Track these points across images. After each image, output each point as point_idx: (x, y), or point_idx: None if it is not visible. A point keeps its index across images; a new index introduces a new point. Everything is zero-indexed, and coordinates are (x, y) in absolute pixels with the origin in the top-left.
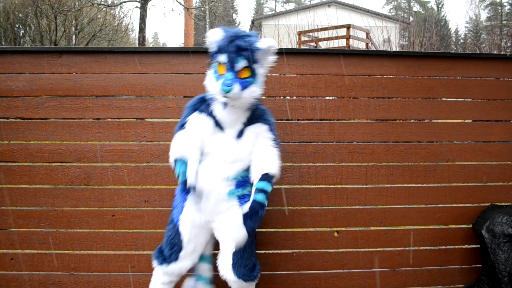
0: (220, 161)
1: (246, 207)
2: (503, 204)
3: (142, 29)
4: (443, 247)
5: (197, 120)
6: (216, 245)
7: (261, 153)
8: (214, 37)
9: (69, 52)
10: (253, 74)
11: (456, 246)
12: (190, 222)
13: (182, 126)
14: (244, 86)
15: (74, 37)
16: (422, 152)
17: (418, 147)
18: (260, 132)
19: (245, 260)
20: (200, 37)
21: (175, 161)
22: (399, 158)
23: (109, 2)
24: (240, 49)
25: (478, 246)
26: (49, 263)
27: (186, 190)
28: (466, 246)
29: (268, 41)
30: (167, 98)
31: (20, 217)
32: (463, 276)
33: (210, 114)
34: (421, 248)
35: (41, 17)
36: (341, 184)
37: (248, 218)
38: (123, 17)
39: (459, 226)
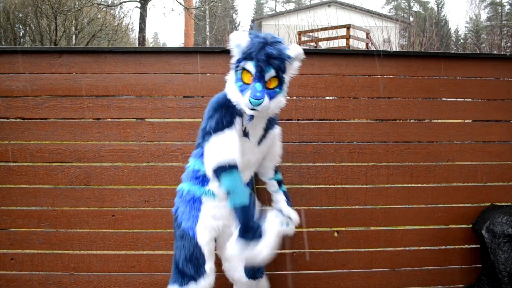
0: (243, 168)
1: (289, 211)
2: (503, 204)
3: (142, 29)
4: (443, 247)
5: (236, 134)
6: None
7: (275, 150)
8: (239, 41)
9: (69, 52)
10: (280, 84)
11: (456, 246)
12: (209, 232)
13: (222, 128)
14: (272, 97)
15: (74, 37)
16: (422, 152)
17: (418, 147)
18: (275, 135)
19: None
20: (200, 37)
21: (226, 168)
22: (399, 158)
23: (109, 2)
24: (270, 57)
25: (478, 246)
26: (49, 263)
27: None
28: (466, 246)
29: (297, 48)
30: (167, 98)
31: (20, 217)
32: (463, 276)
33: (239, 125)
34: (421, 248)
35: (41, 17)
36: (341, 184)
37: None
38: (123, 17)
39: (459, 226)
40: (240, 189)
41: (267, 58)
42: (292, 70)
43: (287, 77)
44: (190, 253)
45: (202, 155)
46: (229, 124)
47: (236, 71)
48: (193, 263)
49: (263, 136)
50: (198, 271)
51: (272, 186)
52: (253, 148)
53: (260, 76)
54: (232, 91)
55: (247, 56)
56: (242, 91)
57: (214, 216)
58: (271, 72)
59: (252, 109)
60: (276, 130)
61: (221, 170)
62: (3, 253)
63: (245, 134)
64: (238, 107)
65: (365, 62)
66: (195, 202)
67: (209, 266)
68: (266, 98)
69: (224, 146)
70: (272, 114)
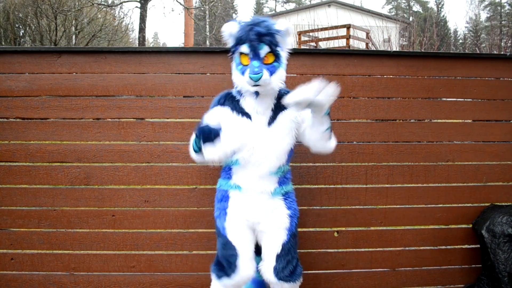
0: (255, 154)
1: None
2: (503, 204)
3: (142, 29)
4: (443, 247)
5: (220, 113)
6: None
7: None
8: (230, 29)
9: (69, 52)
10: (277, 58)
11: (456, 246)
12: (239, 227)
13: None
14: (272, 72)
15: (74, 37)
16: (422, 152)
17: (418, 147)
18: (296, 115)
19: (288, 262)
20: (200, 37)
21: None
22: (399, 158)
23: (109, 2)
24: (260, 35)
25: (478, 246)
26: (49, 263)
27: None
28: (466, 246)
29: (284, 23)
30: (167, 98)
31: (20, 217)
32: (463, 276)
33: (235, 108)
34: (421, 248)
35: (41, 17)
36: (341, 184)
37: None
38: (123, 17)
39: (459, 226)
40: (192, 142)
41: (257, 36)
42: (286, 44)
43: (282, 52)
44: (224, 249)
45: None
46: (215, 105)
47: (235, 57)
48: (226, 258)
49: (273, 118)
50: (230, 267)
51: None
52: (262, 129)
53: (255, 54)
54: (235, 76)
55: (240, 40)
56: (243, 72)
57: (242, 210)
58: (265, 48)
59: (255, 85)
60: (292, 113)
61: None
62: (3, 253)
63: (245, 114)
64: (243, 89)
65: (365, 62)
66: (223, 199)
67: (242, 261)
68: (265, 72)
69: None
70: (278, 89)
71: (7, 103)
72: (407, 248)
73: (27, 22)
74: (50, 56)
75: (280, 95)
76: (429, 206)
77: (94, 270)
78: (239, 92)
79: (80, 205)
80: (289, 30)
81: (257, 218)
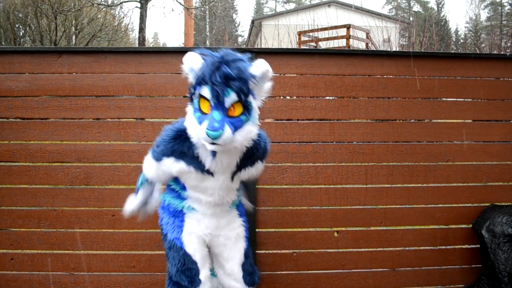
0: (215, 199)
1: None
2: (503, 204)
3: (142, 29)
4: (443, 247)
5: (174, 167)
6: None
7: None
8: (192, 64)
9: (69, 52)
10: (246, 110)
11: (456, 246)
12: (196, 239)
13: (156, 157)
14: (236, 127)
15: (74, 37)
16: (422, 152)
17: (418, 147)
18: (257, 168)
19: (250, 265)
20: (200, 37)
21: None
22: (399, 158)
23: (109, 2)
24: (228, 78)
25: (478, 246)
26: (49, 263)
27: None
28: (466, 246)
29: (263, 64)
30: (167, 98)
31: (20, 217)
32: (463, 276)
33: (192, 162)
34: (421, 248)
35: (41, 17)
36: (341, 184)
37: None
38: (123, 17)
39: (459, 226)
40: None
41: (224, 79)
42: (262, 92)
43: (255, 102)
44: (181, 264)
45: (175, 178)
46: (168, 155)
47: (193, 100)
48: (186, 273)
49: (236, 172)
50: (193, 281)
51: None
52: (223, 183)
53: (217, 103)
54: (190, 124)
55: (201, 80)
56: (200, 122)
57: (198, 226)
58: (232, 97)
59: (213, 143)
60: (259, 165)
61: (143, 176)
62: (3, 253)
63: (206, 170)
64: (198, 142)
65: (365, 62)
66: (178, 213)
67: (204, 274)
68: (227, 129)
69: (150, 167)
70: (241, 148)
71: (7, 103)
72: (407, 248)
73: (27, 22)
74: (50, 56)
75: (250, 148)
76: (429, 206)
77: (94, 270)
78: (196, 142)
79: (80, 205)
80: (267, 74)
81: (215, 232)
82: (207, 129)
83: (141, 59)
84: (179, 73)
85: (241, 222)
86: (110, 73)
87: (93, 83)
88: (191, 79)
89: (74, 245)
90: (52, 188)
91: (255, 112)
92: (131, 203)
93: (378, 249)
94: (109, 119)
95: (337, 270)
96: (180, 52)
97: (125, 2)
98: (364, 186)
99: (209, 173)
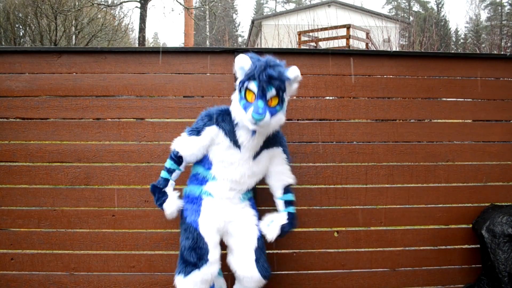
0: (236, 177)
1: (281, 219)
2: (503, 204)
3: (142, 29)
4: (443, 247)
5: (214, 135)
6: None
7: (278, 169)
8: (242, 64)
9: (69, 52)
10: (280, 102)
11: (456, 246)
12: (211, 224)
13: (196, 132)
14: (273, 114)
15: (74, 37)
16: (422, 152)
17: (418, 147)
18: (275, 154)
19: (265, 256)
20: (200, 37)
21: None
22: (399, 158)
23: (109, 2)
24: (271, 78)
25: (478, 246)
26: (49, 263)
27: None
28: (466, 246)
29: (295, 70)
30: (167, 98)
31: (20, 217)
32: (463, 276)
33: (229, 134)
34: (421, 248)
35: (41, 17)
36: (341, 184)
37: (287, 228)
38: (123, 17)
39: (459, 226)
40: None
41: (268, 78)
42: (291, 90)
43: (286, 97)
44: (194, 242)
45: (202, 160)
46: (211, 124)
47: (240, 90)
48: (196, 251)
49: (258, 153)
50: (201, 259)
51: (279, 205)
52: (247, 161)
53: (262, 95)
54: (236, 109)
55: (250, 77)
56: (245, 108)
57: (214, 211)
58: (272, 91)
59: (255, 124)
60: (277, 150)
61: (171, 153)
62: (3, 253)
63: (236, 144)
64: (241, 123)
65: (365, 62)
66: (196, 199)
67: (213, 255)
68: (267, 114)
69: (184, 142)
70: (273, 130)
71: (7, 103)
72: (407, 248)
73: (27, 22)
74: (50, 56)
75: (271, 134)
76: (429, 206)
77: (94, 270)
78: (237, 122)
79: (80, 205)
80: (297, 78)
81: (229, 217)
82: (253, 112)
83: (141, 59)
84: (179, 73)
85: (254, 212)
86: (110, 73)
87: (93, 83)
88: (240, 75)
89: (74, 245)
90: (52, 188)
91: (285, 105)
92: (171, 204)
93: (378, 249)
94: (109, 119)
95: (337, 270)
96: (180, 52)
97: (125, 2)
98: (364, 186)
99: (237, 146)
